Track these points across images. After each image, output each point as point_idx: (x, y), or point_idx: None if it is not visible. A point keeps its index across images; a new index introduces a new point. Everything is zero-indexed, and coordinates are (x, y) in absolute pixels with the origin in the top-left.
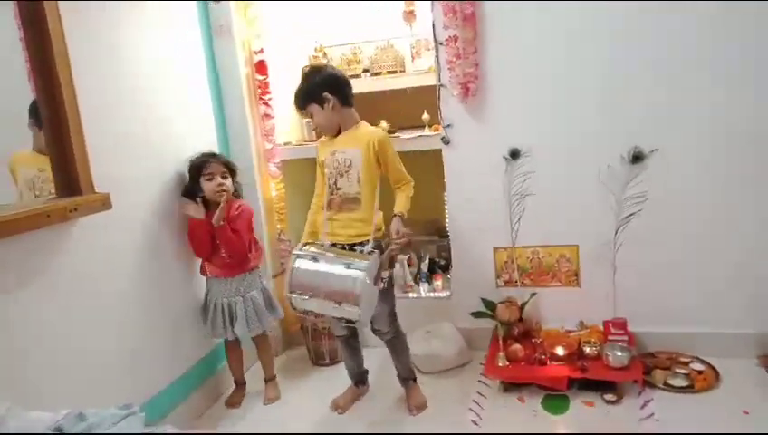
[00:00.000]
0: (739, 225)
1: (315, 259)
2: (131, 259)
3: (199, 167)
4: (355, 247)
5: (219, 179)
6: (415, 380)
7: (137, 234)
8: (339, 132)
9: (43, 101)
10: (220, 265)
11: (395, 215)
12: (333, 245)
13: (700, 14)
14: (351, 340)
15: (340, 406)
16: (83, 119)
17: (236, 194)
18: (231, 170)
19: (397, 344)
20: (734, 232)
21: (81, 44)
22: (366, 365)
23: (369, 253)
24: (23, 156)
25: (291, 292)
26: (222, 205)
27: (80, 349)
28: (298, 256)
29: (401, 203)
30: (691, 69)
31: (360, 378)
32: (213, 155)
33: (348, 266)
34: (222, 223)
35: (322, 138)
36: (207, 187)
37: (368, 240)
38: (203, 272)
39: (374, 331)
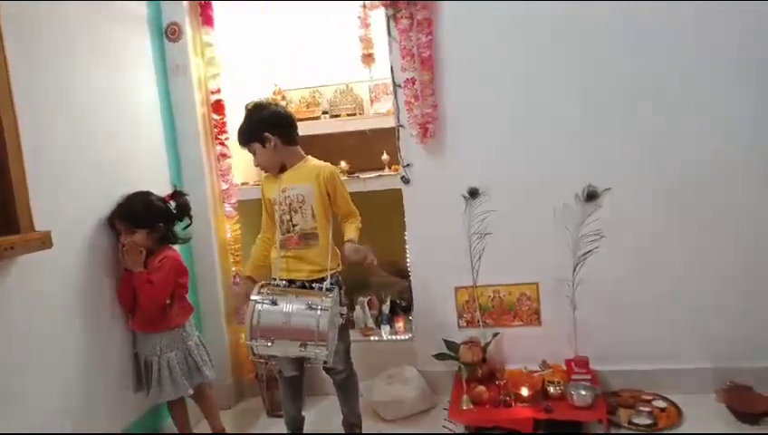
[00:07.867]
0: (694, 261)
1: (275, 302)
2: (70, 303)
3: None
4: (314, 285)
5: (122, 238)
6: (361, 429)
7: (78, 276)
8: (282, 170)
9: None
10: (139, 318)
11: (347, 241)
12: (291, 282)
13: (644, 59)
14: (297, 382)
15: None
16: (25, 154)
17: (170, 240)
18: (146, 222)
19: (349, 385)
20: (688, 268)
21: (26, 77)
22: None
23: (329, 289)
24: None
25: (252, 339)
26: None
27: (12, 395)
28: (256, 302)
29: (352, 232)
30: (638, 112)
31: (298, 425)
32: (119, 207)
33: (310, 306)
34: (137, 269)
35: (267, 175)
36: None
37: (326, 276)
38: (129, 324)
39: (328, 370)
